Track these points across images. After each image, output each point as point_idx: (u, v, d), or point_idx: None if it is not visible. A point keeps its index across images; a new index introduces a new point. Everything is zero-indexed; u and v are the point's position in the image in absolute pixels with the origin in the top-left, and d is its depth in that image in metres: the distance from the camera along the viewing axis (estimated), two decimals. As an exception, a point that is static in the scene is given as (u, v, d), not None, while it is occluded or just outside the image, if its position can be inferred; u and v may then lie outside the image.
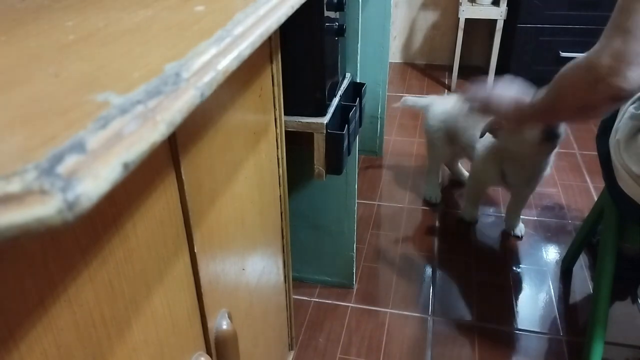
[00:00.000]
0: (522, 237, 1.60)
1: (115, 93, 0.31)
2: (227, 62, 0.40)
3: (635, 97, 0.98)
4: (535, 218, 1.68)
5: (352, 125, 1.09)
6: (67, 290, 0.35)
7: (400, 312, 1.35)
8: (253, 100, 0.68)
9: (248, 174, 0.69)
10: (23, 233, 0.23)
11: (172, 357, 0.52)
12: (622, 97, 0.81)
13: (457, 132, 1.59)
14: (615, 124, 1.03)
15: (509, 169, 1.44)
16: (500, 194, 1.80)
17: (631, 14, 0.75)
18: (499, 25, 2.39)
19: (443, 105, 1.66)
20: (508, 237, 1.60)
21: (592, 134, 2.16)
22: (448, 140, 1.65)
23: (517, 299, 1.38)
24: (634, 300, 1.37)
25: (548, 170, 1.44)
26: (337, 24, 1.00)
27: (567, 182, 1.86)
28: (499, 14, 2.37)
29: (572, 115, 0.88)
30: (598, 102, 0.82)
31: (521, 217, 1.63)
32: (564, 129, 1.28)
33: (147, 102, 0.31)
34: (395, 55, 2.99)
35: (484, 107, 1.05)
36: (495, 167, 1.46)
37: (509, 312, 1.34)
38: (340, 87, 1.11)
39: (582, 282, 1.43)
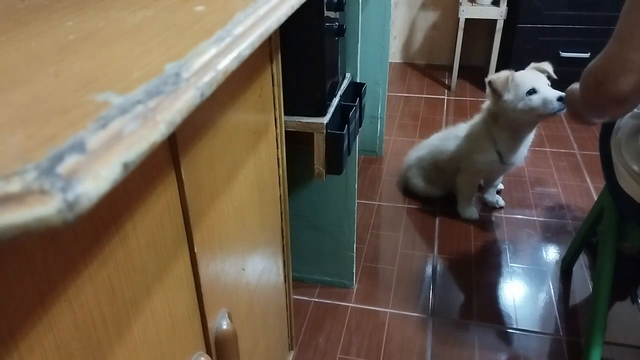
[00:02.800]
0: (502, 207, 1.74)
1: (115, 93, 0.31)
2: (227, 62, 0.40)
3: None
4: (535, 218, 1.68)
5: (352, 125, 1.09)
6: (67, 290, 0.35)
7: (400, 312, 1.35)
8: (253, 100, 0.68)
9: (248, 173, 0.69)
10: (23, 233, 0.23)
11: (172, 357, 0.52)
12: (621, 101, 0.82)
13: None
14: (617, 122, 1.03)
15: (505, 147, 1.54)
16: (500, 193, 1.80)
17: (623, 20, 0.77)
18: (499, 25, 2.39)
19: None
20: (508, 237, 1.60)
21: (592, 134, 2.16)
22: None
23: (517, 299, 1.38)
24: (634, 300, 1.37)
25: (532, 138, 1.57)
26: (337, 24, 1.00)
27: (567, 182, 1.86)
28: (499, 14, 2.37)
29: (590, 113, 0.88)
30: (603, 103, 0.82)
31: (520, 216, 1.66)
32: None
33: (147, 102, 0.31)
34: (395, 55, 2.99)
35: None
36: (492, 151, 1.55)
37: (509, 312, 1.34)
38: (340, 87, 1.11)
39: (582, 282, 1.43)
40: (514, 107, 1.44)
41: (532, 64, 1.52)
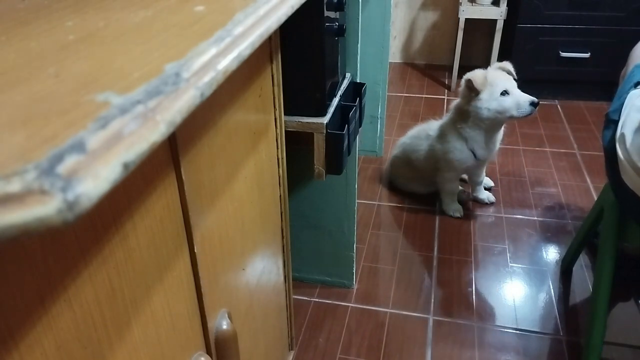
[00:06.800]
0: (493, 203, 1.76)
1: (115, 93, 0.31)
2: (227, 62, 0.40)
3: None
4: (535, 218, 1.68)
5: (352, 125, 1.09)
6: (67, 290, 0.35)
7: (400, 312, 1.35)
8: (253, 100, 0.68)
9: (248, 174, 0.69)
10: (23, 233, 0.23)
11: (172, 357, 0.52)
12: None
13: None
14: (621, 117, 1.02)
15: (477, 145, 1.56)
16: (500, 193, 1.80)
17: None
18: (499, 25, 2.39)
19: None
20: (508, 237, 1.60)
21: (592, 134, 2.16)
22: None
23: (517, 299, 1.38)
24: (635, 300, 1.37)
25: (502, 133, 1.62)
26: (337, 24, 1.00)
27: (567, 182, 1.86)
28: (499, 14, 2.37)
29: None
30: None
31: (520, 216, 1.67)
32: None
33: (147, 102, 0.31)
34: (395, 55, 2.99)
35: None
36: (466, 150, 1.58)
37: (509, 312, 1.34)
38: (340, 87, 1.11)
39: (582, 282, 1.43)
40: (487, 106, 1.46)
41: (496, 64, 1.54)
